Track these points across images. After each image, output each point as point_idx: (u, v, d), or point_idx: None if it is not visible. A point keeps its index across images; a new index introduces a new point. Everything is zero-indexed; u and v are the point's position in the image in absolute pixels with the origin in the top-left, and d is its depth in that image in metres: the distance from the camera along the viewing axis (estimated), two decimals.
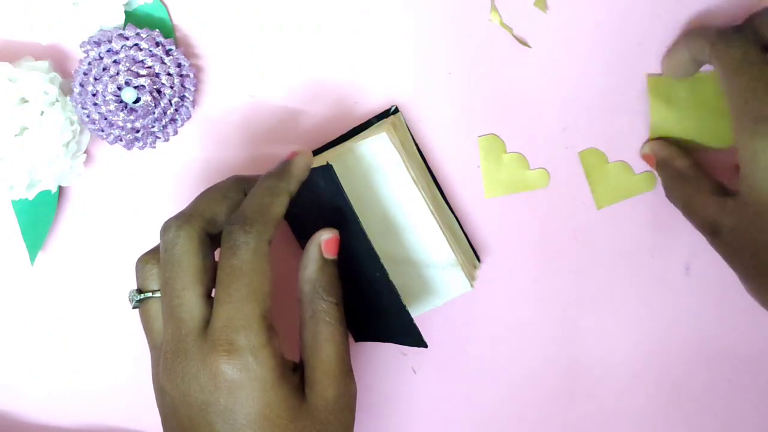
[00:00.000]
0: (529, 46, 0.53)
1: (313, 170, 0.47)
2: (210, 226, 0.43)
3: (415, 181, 0.51)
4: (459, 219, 0.54)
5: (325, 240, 0.44)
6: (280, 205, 0.42)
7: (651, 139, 0.52)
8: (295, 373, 0.41)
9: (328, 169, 0.46)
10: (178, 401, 0.39)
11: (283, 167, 0.44)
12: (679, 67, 0.50)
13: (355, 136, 0.52)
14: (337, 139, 0.53)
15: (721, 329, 0.57)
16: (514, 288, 0.56)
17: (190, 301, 0.40)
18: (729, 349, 0.57)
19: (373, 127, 0.52)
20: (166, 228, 0.42)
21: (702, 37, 0.46)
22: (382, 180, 0.51)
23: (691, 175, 0.49)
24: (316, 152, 0.53)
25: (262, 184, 0.43)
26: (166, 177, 0.54)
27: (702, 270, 0.56)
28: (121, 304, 0.55)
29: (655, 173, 0.54)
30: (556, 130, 0.54)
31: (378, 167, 0.51)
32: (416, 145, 0.53)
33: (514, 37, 0.53)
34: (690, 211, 0.48)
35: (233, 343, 0.38)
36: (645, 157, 0.52)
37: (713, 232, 0.46)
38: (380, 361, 0.57)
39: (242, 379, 0.38)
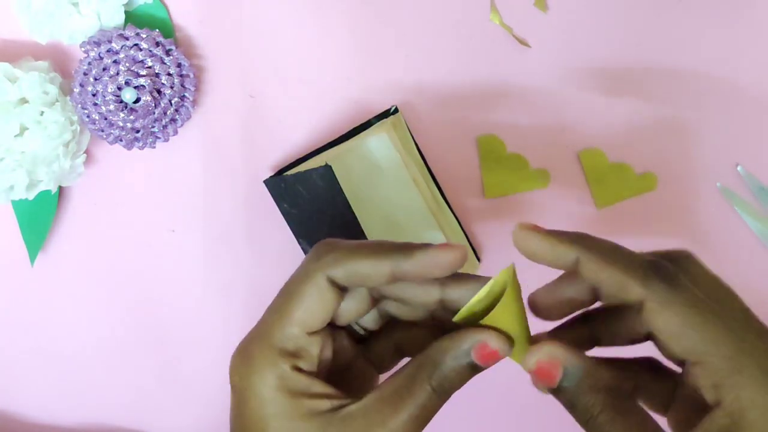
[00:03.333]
0: (529, 46, 0.53)
1: (313, 170, 0.47)
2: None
3: (415, 181, 0.51)
4: (459, 219, 0.54)
5: (484, 352, 0.35)
6: (370, 268, 0.35)
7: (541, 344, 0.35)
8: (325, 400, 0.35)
9: (327, 169, 0.46)
10: None
11: (416, 247, 0.35)
12: (549, 260, 0.35)
13: (355, 137, 0.52)
14: (337, 139, 0.53)
15: None
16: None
17: None
18: None
19: (373, 127, 0.52)
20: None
21: (624, 264, 0.33)
22: (382, 180, 0.51)
23: (626, 400, 0.34)
24: (316, 152, 0.53)
25: (383, 241, 0.36)
26: (166, 177, 0.54)
27: None
28: (120, 303, 0.55)
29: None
30: (556, 130, 0.54)
31: (378, 167, 0.51)
32: (416, 145, 0.53)
33: (514, 37, 0.53)
34: None
35: (245, 349, 0.36)
36: (539, 372, 0.34)
37: None
38: None
39: (244, 388, 0.35)
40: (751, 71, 0.54)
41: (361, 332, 0.40)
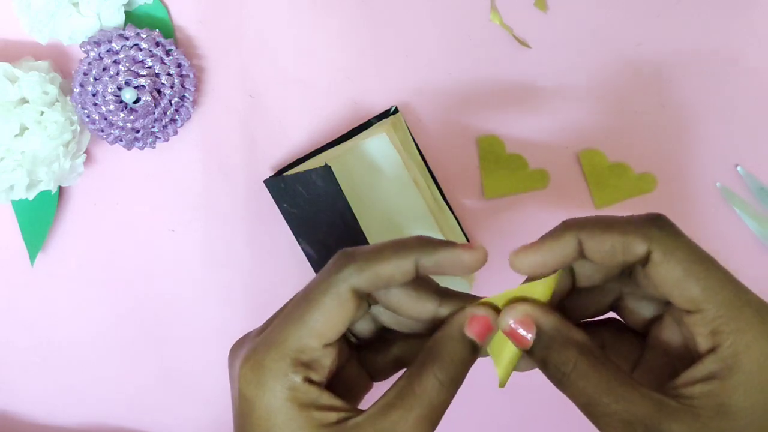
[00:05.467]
0: (529, 46, 0.53)
1: (312, 171, 0.47)
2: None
3: (415, 181, 0.51)
4: (459, 219, 0.54)
5: (476, 324, 0.35)
6: (393, 268, 0.34)
7: (513, 300, 0.35)
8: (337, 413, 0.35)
9: (327, 169, 0.46)
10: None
11: (440, 244, 0.35)
12: (555, 263, 0.35)
13: (355, 137, 0.52)
14: (337, 139, 0.53)
15: None
16: (513, 287, 0.56)
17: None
18: None
19: (373, 127, 0.52)
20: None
21: (620, 229, 0.33)
22: (381, 180, 0.51)
23: (598, 354, 0.33)
24: (316, 152, 0.53)
25: (401, 239, 0.35)
26: (166, 177, 0.54)
27: None
28: (120, 303, 0.55)
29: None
30: (556, 130, 0.54)
31: (378, 167, 0.51)
32: (416, 145, 0.53)
33: (514, 37, 0.53)
34: (603, 411, 0.32)
35: (255, 358, 0.35)
36: (512, 331, 0.34)
37: None
38: None
39: (253, 397, 0.35)
40: (751, 71, 0.54)
41: (353, 340, 0.39)
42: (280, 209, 0.52)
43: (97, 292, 0.55)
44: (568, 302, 0.37)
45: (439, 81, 0.53)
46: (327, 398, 0.34)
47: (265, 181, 0.52)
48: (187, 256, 0.55)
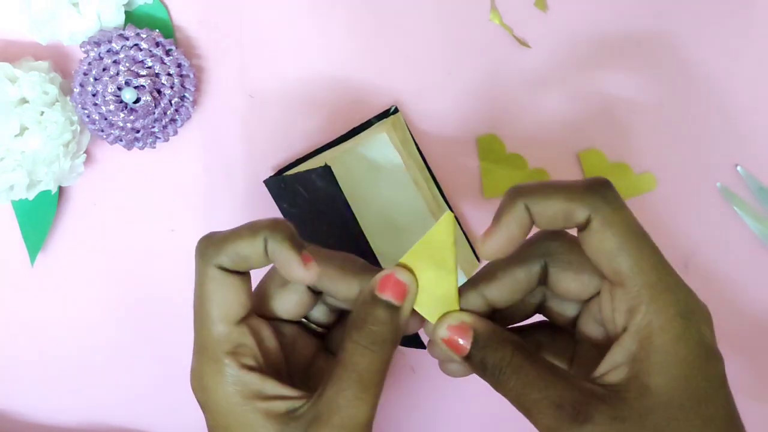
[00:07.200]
0: (529, 46, 0.53)
1: (312, 171, 0.47)
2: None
3: (414, 181, 0.51)
4: (459, 219, 0.54)
5: (385, 283, 0.36)
6: (249, 246, 0.35)
7: (451, 313, 0.36)
8: (288, 401, 0.36)
9: (326, 169, 0.46)
10: None
11: (287, 236, 0.35)
12: (518, 235, 0.34)
13: (355, 137, 0.52)
14: (337, 139, 0.53)
15: (717, 322, 0.57)
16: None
17: None
18: (725, 341, 0.57)
19: (373, 127, 0.52)
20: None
21: (565, 195, 0.33)
22: (381, 180, 0.51)
23: (531, 351, 0.34)
24: (316, 153, 0.53)
25: (256, 221, 0.36)
26: (166, 177, 0.54)
27: (699, 267, 0.56)
28: (120, 303, 0.55)
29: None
30: (556, 130, 0.54)
31: (378, 167, 0.51)
32: (416, 144, 0.53)
33: (514, 37, 0.53)
34: (535, 398, 0.33)
35: (193, 368, 0.37)
36: (450, 340, 0.35)
37: (582, 419, 0.31)
38: None
39: (206, 402, 0.36)
40: (751, 71, 0.54)
41: (318, 329, 0.40)
42: (280, 209, 0.52)
43: (97, 292, 0.55)
44: (496, 312, 0.37)
45: (439, 81, 0.53)
46: (272, 387, 0.35)
47: (265, 181, 0.52)
48: (187, 256, 0.55)
